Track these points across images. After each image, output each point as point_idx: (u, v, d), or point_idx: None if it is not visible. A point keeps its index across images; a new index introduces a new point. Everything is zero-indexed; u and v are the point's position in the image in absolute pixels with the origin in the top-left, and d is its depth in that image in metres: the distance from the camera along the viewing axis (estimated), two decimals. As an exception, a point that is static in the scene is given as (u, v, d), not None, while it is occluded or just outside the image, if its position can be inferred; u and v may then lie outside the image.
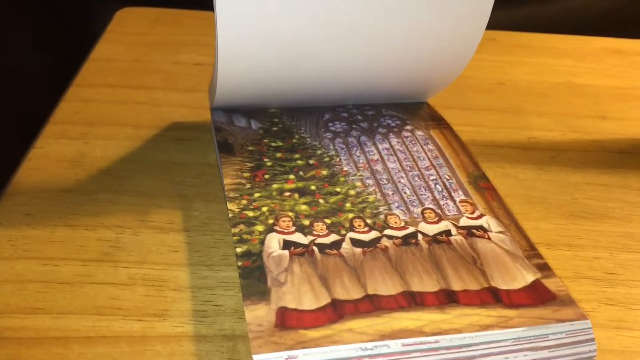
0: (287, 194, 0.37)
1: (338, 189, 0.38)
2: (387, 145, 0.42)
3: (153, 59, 0.57)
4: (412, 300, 0.31)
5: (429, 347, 0.30)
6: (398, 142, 0.42)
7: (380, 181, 0.39)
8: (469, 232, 0.35)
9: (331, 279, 0.32)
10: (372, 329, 0.29)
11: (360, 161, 0.40)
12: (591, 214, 0.42)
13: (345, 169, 0.40)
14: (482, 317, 0.30)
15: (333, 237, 0.34)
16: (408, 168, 0.40)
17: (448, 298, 0.31)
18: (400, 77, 0.45)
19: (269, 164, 0.40)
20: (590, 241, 0.40)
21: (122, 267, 0.36)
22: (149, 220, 0.39)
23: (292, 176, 0.39)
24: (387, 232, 0.35)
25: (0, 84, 0.74)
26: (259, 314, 0.30)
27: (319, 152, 0.41)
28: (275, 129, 0.43)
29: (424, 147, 0.42)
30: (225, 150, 0.40)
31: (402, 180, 0.39)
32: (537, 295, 0.32)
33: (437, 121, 0.45)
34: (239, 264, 0.32)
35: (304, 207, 0.36)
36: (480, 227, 0.36)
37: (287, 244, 0.34)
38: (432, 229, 0.35)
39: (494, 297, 0.31)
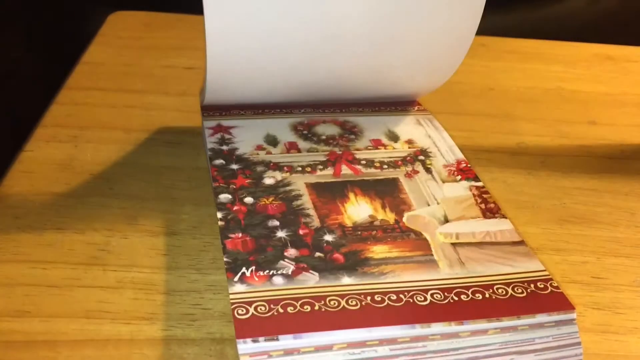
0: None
1: None
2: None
3: (144, 63, 0.57)
4: None
5: (417, 351, 0.30)
6: None
7: None
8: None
9: None
10: None
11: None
12: (579, 219, 0.43)
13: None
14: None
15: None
16: None
17: None
18: (391, 77, 0.45)
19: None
20: (578, 245, 0.40)
21: (111, 271, 0.36)
22: (139, 223, 0.39)
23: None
24: None
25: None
26: None
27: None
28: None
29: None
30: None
31: None
32: None
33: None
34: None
35: None
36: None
37: None
38: None
39: None
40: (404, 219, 0.37)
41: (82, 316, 0.33)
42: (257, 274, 0.32)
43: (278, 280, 0.32)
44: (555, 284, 0.32)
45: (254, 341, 0.28)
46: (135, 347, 0.32)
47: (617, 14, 0.86)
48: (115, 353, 0.31)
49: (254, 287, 0.31)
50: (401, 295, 0.31)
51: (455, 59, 0.45)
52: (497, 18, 0.78)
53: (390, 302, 0.31)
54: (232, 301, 0.30)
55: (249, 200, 0.37)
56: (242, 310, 0.30)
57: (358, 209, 0.37)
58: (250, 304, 0.30)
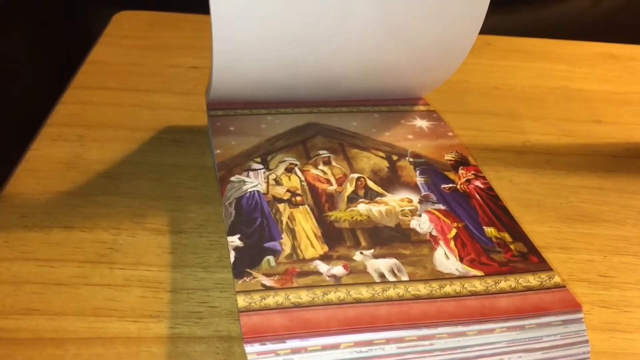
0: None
1: None
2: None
3: (150, 62, 0.57)
4: None
5: (424, 349, 0.30)
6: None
7: None
8: None
9: None
10: None
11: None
12: (585, 217, 0.43)
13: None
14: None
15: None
16: None
17: None
18: (395, 74, 0.45)
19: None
20: (585, 244, 0.40)
21: (118, 269, 0.36)
22: (145, 222, 0.39)
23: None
24: None
25: (-2, 86, 0.74)
26: None
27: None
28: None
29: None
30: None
31: None
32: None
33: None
34: None
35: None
36: None
37: None
38: None
39: None
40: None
41: (90, 314, 0.33)
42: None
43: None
44: (562, 283, 0.32)
45: (262, 344, 0.28)
46: (142, 345, 0.32)
47: (621, 13, 0.86)
48: (123, 351, 0.32)
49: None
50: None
51: (459, 56, 0.45)
52: (502, 17, 0.78)
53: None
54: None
55: None
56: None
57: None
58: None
